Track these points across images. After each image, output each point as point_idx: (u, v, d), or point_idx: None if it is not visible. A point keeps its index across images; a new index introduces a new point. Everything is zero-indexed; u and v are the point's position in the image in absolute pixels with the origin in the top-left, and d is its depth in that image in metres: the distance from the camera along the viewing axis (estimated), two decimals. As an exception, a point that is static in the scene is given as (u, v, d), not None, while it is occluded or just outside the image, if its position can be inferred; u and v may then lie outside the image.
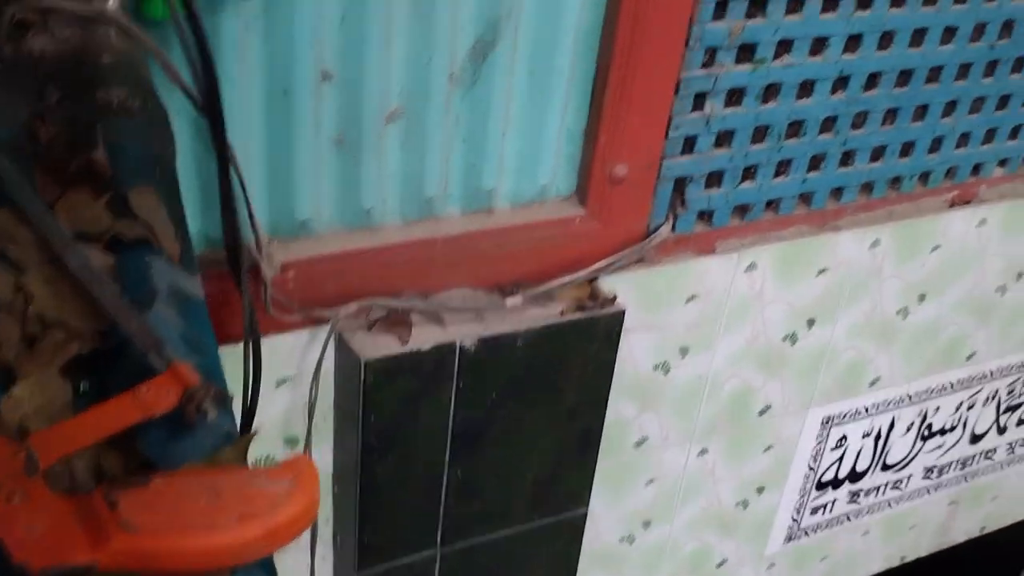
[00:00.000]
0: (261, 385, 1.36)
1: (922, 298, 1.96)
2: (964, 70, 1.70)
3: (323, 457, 1.48)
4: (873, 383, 2.04)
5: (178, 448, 0.64)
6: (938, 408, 2.20)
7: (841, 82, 1.58)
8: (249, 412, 1.06)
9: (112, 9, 1.05)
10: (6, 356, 0.68)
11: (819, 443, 2.05)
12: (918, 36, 1.60)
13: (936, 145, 1.78)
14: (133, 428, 0.63)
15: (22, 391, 0.66)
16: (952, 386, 2.19)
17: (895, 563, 2.49)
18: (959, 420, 2.28)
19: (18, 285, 0.73)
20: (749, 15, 1.44)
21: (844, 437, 2.08)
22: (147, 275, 0.77)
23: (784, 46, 1.49)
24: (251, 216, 1.26)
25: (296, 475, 0.59)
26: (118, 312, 0.70)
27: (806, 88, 1.56)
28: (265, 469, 0.60)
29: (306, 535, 1.48)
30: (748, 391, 1.86)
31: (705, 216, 1.61)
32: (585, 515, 1.68)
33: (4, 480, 0.59)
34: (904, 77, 1.64)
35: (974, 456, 2.41)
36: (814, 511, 2.18)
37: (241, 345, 1.32)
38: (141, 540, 0.55)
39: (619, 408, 1.71)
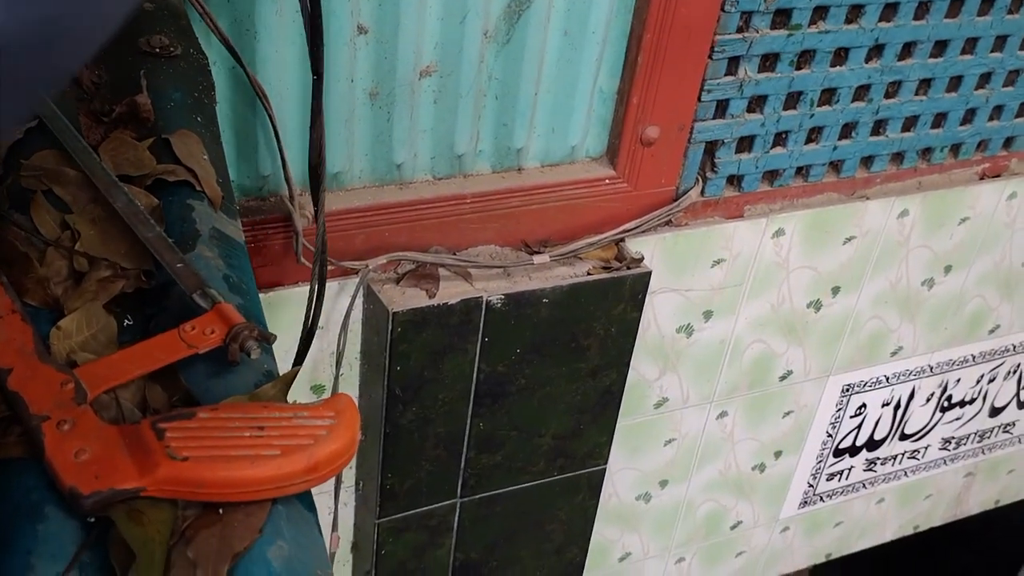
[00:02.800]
0: (290, 333, 1.39)
1: (948, 269, 1.96)
2: (1000, 42, 1.69)
3: (354, 399, 1.51)
4: (895, 353, 2.04)
5: (220, 384, 0.66)
6: (959, 380, 2.21)
7: (876, 50, 1.58)
8: (304, 349, 1.10)
9: (155, -44, 1.06)
10: (55, 291, 0.70)
11: (838, 410, 2.06)
12: (955, 6, 1.59)
13: (969, 117, 1.77)
14: (176, 364, 0.66)
15: (69, 324, 0.68)
16: (974, 358, 2.19)
17: (908, 532, 2.51)
18: (979, 392, 2.29)
19: (65, 223, 0.75)
20: (786, -21, 1.43)
21: (864, 405, 2.10)
22: (189, 217, 0.78)
23: (819, 12, 1.49)
24: (285, 166, 1.28)
25: (338, 412, 0.61)
26: (162, 251, 0.71)
27: (840, 56, 1.56)
28: (307, 405, 0.61)
29: (330, 481, 1.51)
30: (770, 356, 1.87)
31: (735, 181, 1.62)
32: (604, 472, 1.70)
33: (54, 408, 0.61)
34: (939, 47, 1.64)
35: (992, 429, 2.41)
36: (830, 477, 2.20)
37: (270, 294, 1.34)
38: (188, 468, 0.57)
39: (641, 369, 1.72)
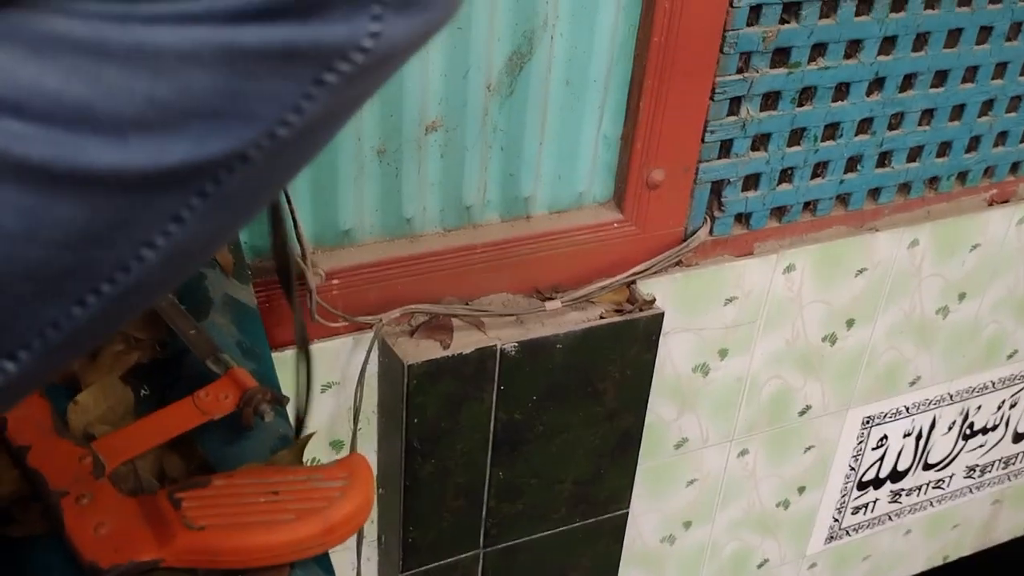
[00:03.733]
0: (308, 390, 1.40)
1: (962, 297, 1.95)
2: (1000, 69, 1.70)
3: (367, 459, 1.52)
4: (913, 383, 2.03)
5: (236, 450, 0.66)
6: (979, 407, 2.19)
7: (876, 84, 1.59)
8: (301, 419, 1.10)
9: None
10: (71, 366, 0.72)
11: (860, 443, 2.05)
12: (953, 36, 1.60)
13: (973, 144, 1.78)
14: (193, 431, 0.66)
15: (86, 398, 0.69)
16: (993, 385, 2.18)
17: (938, 563, 2.48)
18: (1001, 419, 2.27)
19: (80, 296, 0.76)
20: (783, 20, 1.45)
21: (885, 437, 2.08)
22: (202, 285, 0.80)
23: (818, 49, 1.50)
24: (296, 226, 1.29)
25: (351, 473, 0.62)
26: (176, 321, 0.73)
27: (841, 90, 1.57)
28: (320, 467, 0.62)
29: (352, 537, 1.51)
30: (788, 392, 1.87)
31: (743, 218, 1.62)
32: (626, 516, 1.69)
33: (73, 483, 0.62)
34: (940, 77, 1.65)
35: (1017, 455, 2.39)
36: (855, 511, 2.18)
37: (286, 352, 1.35)
38: (205, 537, 0.58)
39: (659, 410, 1.72)
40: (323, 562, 0.62)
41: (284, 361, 1.33)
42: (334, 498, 0.60)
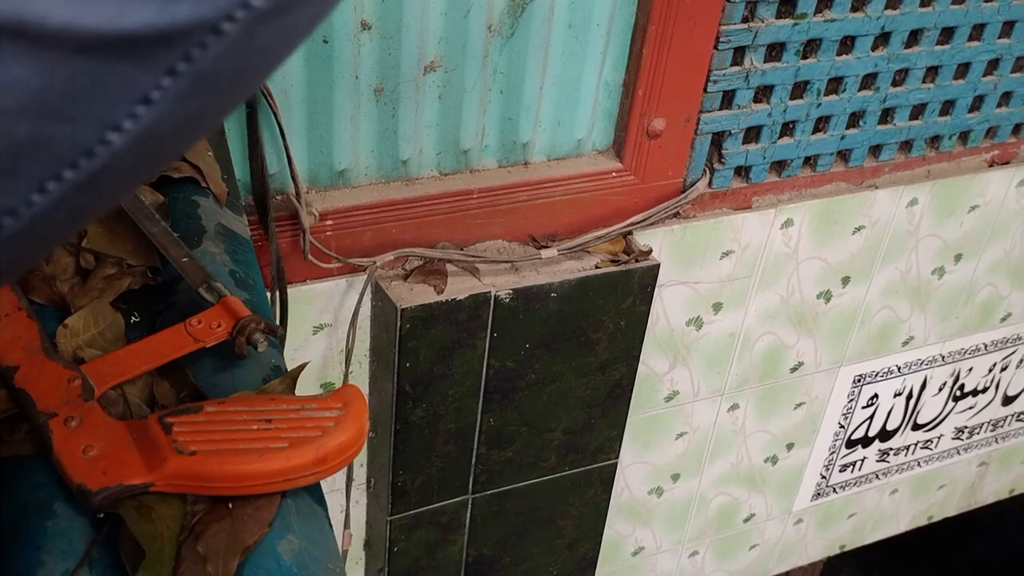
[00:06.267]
0: (299, 330, 1.39)
1: (958, 258, 1.95)
2: (1007, 28, 1.68)
3: (362, 390, 1.51)
4: (906, 342, 2.03)
5: (228, 379, 0.65)
6: (971, 369, 2.20)
7: (882, 39, 1.57)
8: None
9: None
10: (61, 289, 0.70)
11: (850, 401, 2.05)
12: (962, -8, 1.58)
13: (977, 104, 1.76)
14: (184, 359, 0.65)
15: (76, 321, 0.68)
16: (986, 347, 2.18)
17: (922, 522, 2.49)
18: (991, 381, 2.27)
19: (71, 221, 0.75)
20: (791, -32, 1.43)
21: (875, 396, 2.09)
22: (195, 213, 0.78)
23: (825, 1, 1.48)
24: (290, 164, 1.28)
25: (345, 403, 0.60)
26: (168, 246, 0.71)
27: (846, 44, 1.55)
28: (314, 397, 0.61)
29: (342, 478, 1.51)
30: (781, 348, 1.87)
31: (742, 172, 1.61)
32: (615, 466, 1.69)
33: (61, 405, 0.61)
34: (946, 34, 1.63)
35: (1006, 418, 2.40)
36: (843, 469, 2.19)
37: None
38: (196, 463, 0.57)
39: (651, 362, 1.72)
40: (315, 492, 0.62)
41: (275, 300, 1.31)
42: (328, 428, 0.59)
